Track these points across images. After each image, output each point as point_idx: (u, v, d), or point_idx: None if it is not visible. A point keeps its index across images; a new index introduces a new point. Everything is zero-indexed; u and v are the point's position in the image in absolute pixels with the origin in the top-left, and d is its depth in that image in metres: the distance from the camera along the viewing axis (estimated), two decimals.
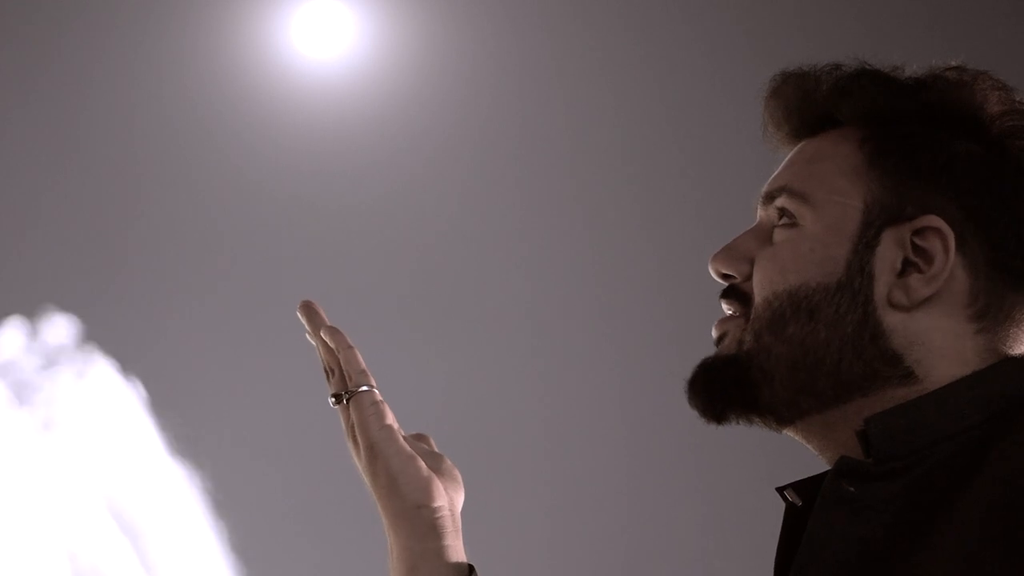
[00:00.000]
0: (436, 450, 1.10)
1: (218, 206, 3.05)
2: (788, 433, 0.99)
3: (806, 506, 0.96)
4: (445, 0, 3.03)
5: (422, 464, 1.05)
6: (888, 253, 0.95)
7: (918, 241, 0.95)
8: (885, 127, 0.99)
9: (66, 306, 2.81)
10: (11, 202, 2.98)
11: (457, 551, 1.04)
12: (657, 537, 2.82)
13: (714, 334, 1.01)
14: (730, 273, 1.00)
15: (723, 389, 0.97)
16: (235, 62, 3.06)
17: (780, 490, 0.98)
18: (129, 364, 2.73)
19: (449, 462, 1.08)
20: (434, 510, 1.04)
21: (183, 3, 3.06)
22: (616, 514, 2.89)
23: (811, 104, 1.02)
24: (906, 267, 0.95)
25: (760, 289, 0.97)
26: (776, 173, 1.03)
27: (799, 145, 1.03)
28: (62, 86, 3.05)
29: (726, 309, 1.00)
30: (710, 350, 1.07)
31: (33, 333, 2.71)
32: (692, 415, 0.99)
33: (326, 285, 3.04)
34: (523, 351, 3.03)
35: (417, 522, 1.04)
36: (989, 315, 0.95)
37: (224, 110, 3.06)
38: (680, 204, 2.92)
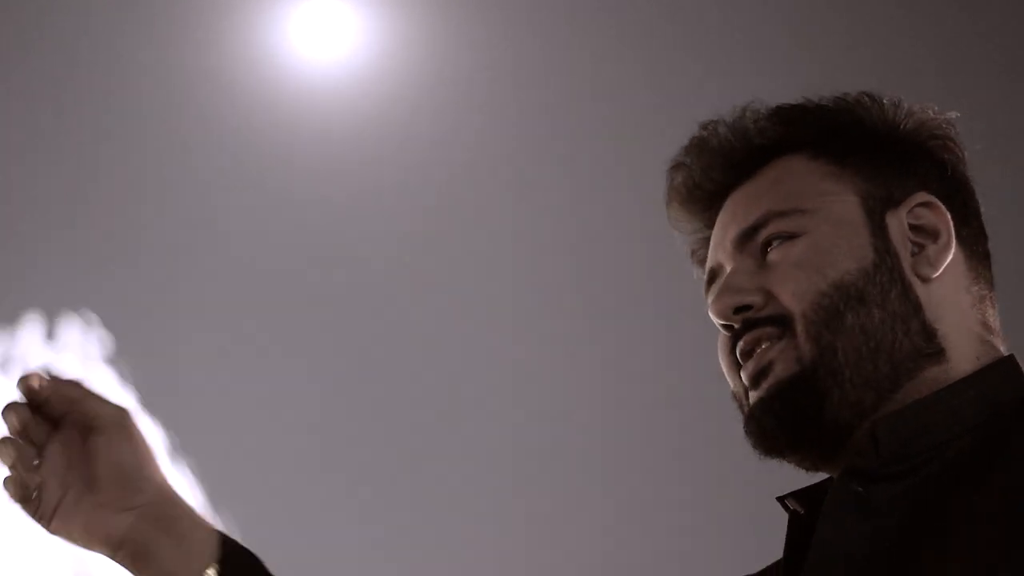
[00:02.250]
0: (85, 406, 1.02)
1: (214, 213, 3.04)
2: (824, 469, 0.98)
3: (809, 514, 0.96)
4: None
5: (91, 509, 1.00)
6: (897, 234, 0.98)
7: (913, 221, 0.98)
8: (830, 140, 1.01)
9: (64, 306, 2.81)
10: (7, 205, 2.97)
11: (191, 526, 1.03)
12: (656, 548, 2.83)
13: (751, 369, 0.97)
14: (746, 304, 0.97)
15: (799, 410, 0.94)
16: (230, 63, 3.05)
17: (781, 499, 0.99)
18: (129, 370, 2.73)
19: (105, 420, 1.01)
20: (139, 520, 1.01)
21: (175, 2, 3.05)
22: (612, 526, 2.89)
23: (742, 145, 1.03)
24: (914, 246, 0.98)
25: (800, 297, 0.95)
26: (733, 219, 1.02)
27: (737, 192, 1.03)
28: (55, 87, 3.04)
29: (754, 339, 0.97)
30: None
31: (43, 333, 2.71)
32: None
33: (327, 292, 3.04)
34: (523, 355, 3.02)
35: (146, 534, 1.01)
36: (975, 287, 0.99)
37: (220, 113, 3.05)
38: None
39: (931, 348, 0.95)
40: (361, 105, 3.05)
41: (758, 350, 0.97)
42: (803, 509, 0.97)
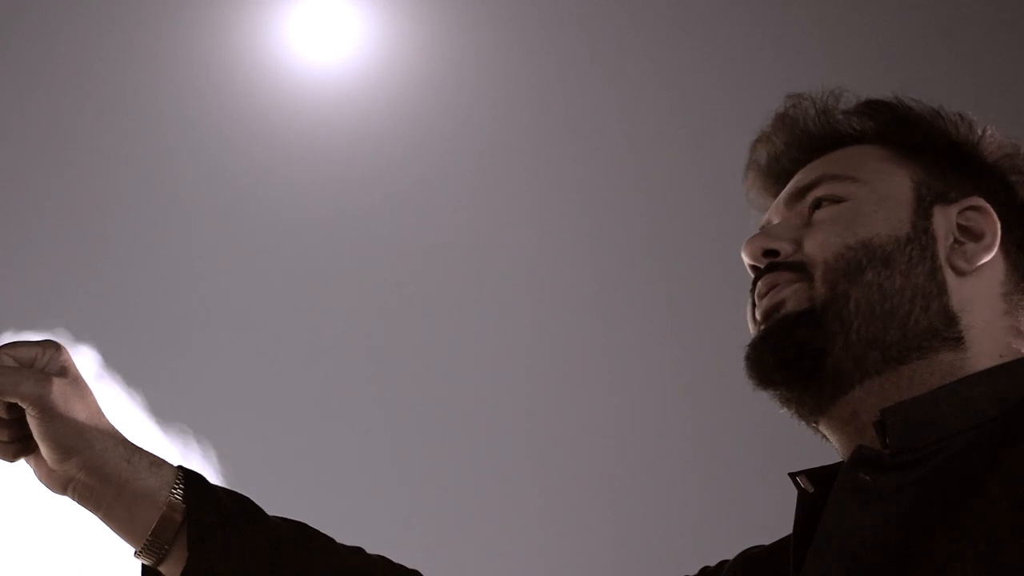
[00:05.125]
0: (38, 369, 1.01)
1: (210, 216, 3.04)
2: (820, 426, 0.99)
3: (818, 493, 0.96)
4: None
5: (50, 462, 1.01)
6: (940, 224, 1.00)
7: (962, 221, 1.00)
8: (906, 135, 1.04)
9: (58, 314, 2.81)
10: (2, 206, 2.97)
11: (139, 460, 1.02)
12: (664, 521, 2.82)
13: (764, 306, 0.99)
14: (775, 248, 1.00)
15: (797, 344, 0.96)
16: (229, 64, 3.05)
17: (793, 476, 0.99)
18: (132, 376, 2.73)
19: (26, 401, 0.99)
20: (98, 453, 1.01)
21: (172, 2, 3.05)
22: (625, 501, 2.89)
23: (826, 127, 1.06)
24: (956, 241, 0.99)
25: (825, 247, 0.98)
26: (791, 182, 1.06)
27: (805, 167, 1.06)
28: (51, 88, 3.04)
29: (772, 281, 0.99)
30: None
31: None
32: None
33: (326, 297, 3.04)
34: (522, 349, 3.02)
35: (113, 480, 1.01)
36: (1015, 298, 1.00)
37: (217, 116, 3.05)
38: (696, 208, 2.92)
39: (949, 333, 0.96)
40: (361, 105, 3.05)
41: (773, 290, 0.99)
42: (813, 488, 0.97)
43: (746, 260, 1.03)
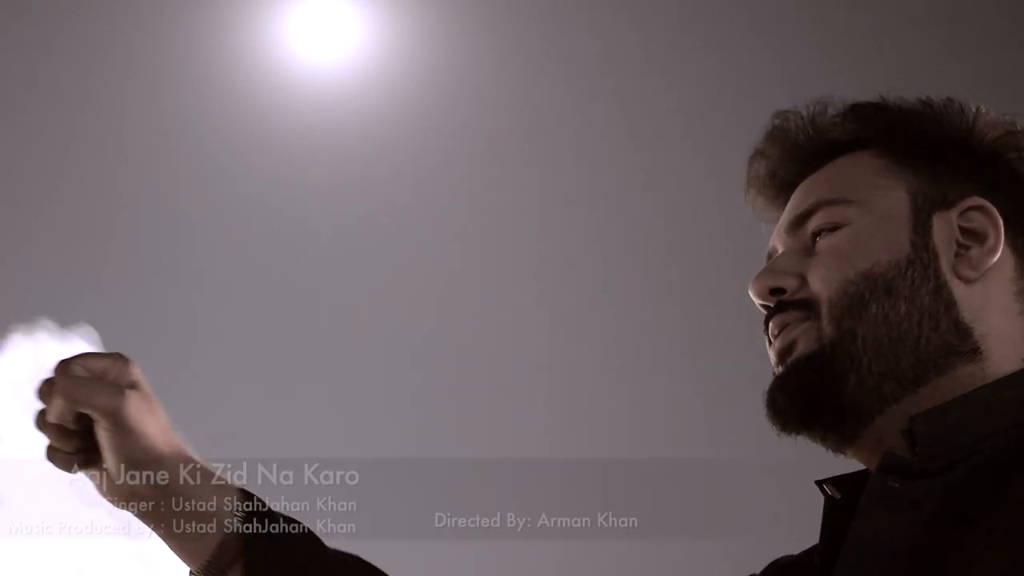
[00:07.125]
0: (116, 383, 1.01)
1: (209, 219, 3.03)
2: (847, 455, 1.00)
3: (845, 500, 0.97)
4: None
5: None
6: (942, 234, 0.99)
7: (964, 223, 1.00)
8: (896, 138, 1.03)
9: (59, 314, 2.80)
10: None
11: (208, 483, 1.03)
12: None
13: (777, 347, 1.00)
14: (781, 287, 1.01)
15: (811, 388, 0.96)
16: (228, 64, 3.04)
17: (820, 484, 1.00)
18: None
19: (99, 414, 0.99)
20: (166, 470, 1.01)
21: (172, 2, 3.04)
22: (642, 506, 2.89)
23: (816, 138, 1.06)
24: (959, 247, 0.99)
25: (828, 283, 0.98)
26: (790, 206, 1.06)
27: (804, 182, 1.06)
28: (51, 88, 3.03)
29: (782, 322, 1.00)
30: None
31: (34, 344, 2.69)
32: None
33: (325, 302, 3.03)
34: (526, 354, 3.02)
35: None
36: None
37: (216, 115, 3.04)
38: (705, 217, 2.92)
39: (965, 346, 0.96)
40: (361, 105, 3.05)
41: (784, 331, 1.00)
42: (840, 495, 0.98)
43: (754, 299, 1.03)
